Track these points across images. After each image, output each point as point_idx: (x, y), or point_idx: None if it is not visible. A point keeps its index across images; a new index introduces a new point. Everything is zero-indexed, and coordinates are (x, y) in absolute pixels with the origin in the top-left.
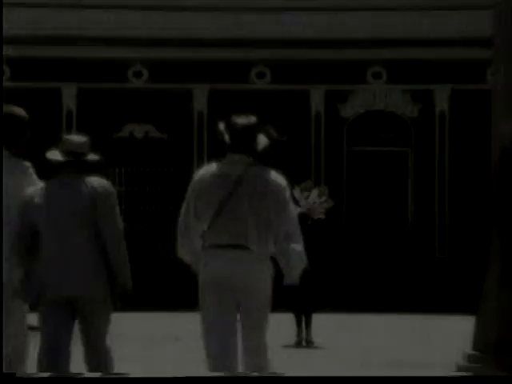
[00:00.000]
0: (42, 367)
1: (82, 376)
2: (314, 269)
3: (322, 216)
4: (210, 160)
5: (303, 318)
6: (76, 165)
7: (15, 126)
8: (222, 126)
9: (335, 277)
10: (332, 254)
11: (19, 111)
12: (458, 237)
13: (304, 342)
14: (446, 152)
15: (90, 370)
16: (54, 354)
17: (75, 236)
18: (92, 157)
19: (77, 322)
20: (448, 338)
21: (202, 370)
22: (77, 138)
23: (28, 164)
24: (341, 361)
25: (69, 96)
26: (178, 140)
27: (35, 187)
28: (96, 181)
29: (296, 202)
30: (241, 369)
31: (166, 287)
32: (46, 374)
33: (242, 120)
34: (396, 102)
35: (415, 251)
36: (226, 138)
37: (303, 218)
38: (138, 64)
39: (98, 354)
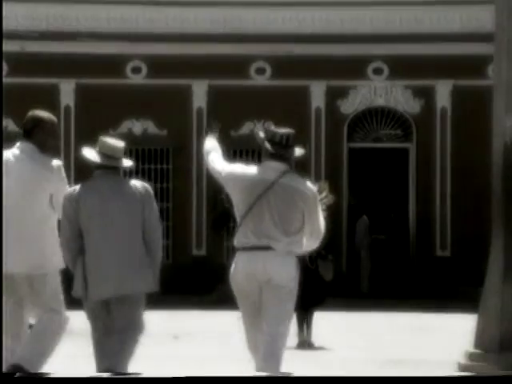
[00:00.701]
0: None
1: (82, 376)
2: (315, 267)
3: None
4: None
5: (305, 318)
6: (116, 168)
7: (44, 129)
8: (262, 134)
9: (335, 274)
10: (333, 252)
11: (48, 116)
12: (460, 234)
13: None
14: (447, 148)
15: (110, 360)
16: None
17: (127, 236)
18: (127, 162)
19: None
20: (449, 335)
21: (196, 368)
22: (117, 143)
23: (59, 162)
24: (341, 359)
25: (67, 92)
26: (178, 136)
27: (77, 186)
28: (138, 183)
29: None
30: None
31: (167, 285)
32: (55, 375)
33: (282, 131)
34: (397, 98)
35: (417, 248)
36: (267, 145)
37: None
38: (136, 59)
39: (124, 344)
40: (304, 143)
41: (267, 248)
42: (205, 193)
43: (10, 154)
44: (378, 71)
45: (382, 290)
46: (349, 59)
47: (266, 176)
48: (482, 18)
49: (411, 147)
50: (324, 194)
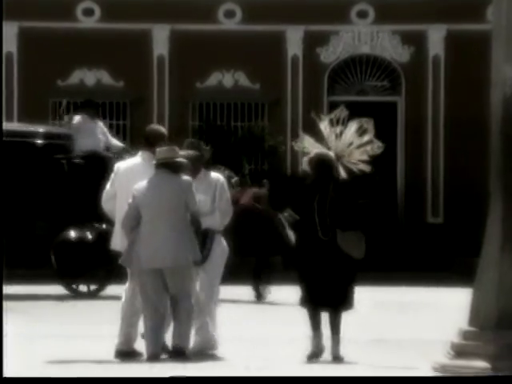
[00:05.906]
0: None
1: (82, 376)
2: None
3: (365, 168)
4: (170, 109)
5: (320, 313)
6: (168, 167)
7: (164, 141)
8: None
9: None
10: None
11: (165, 130)
12: (454, 198)
13: (331, 355)
14: (440, 102)
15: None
16: (157, 313)
17: (171, 218)
18: (180, 161)
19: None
20: (442, 312)
21: None
22: (168, 149)
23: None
24: (326, 338)
25: (9, 37)
26: (136, 88)
27: (142, 182)
28: (182, 177)
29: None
30: None
31: None
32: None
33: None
34: (384, 45)
35: (405, 215)
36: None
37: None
38: (88, 0)
39: (182, 308)
40: (278, 100)
41: None
42: None
43: (134, 161)
44: (362, 14)
45: (366, 261)
46: (330, 1)
47: None
48: None
49: (400, 100)
50: (368, 138)
